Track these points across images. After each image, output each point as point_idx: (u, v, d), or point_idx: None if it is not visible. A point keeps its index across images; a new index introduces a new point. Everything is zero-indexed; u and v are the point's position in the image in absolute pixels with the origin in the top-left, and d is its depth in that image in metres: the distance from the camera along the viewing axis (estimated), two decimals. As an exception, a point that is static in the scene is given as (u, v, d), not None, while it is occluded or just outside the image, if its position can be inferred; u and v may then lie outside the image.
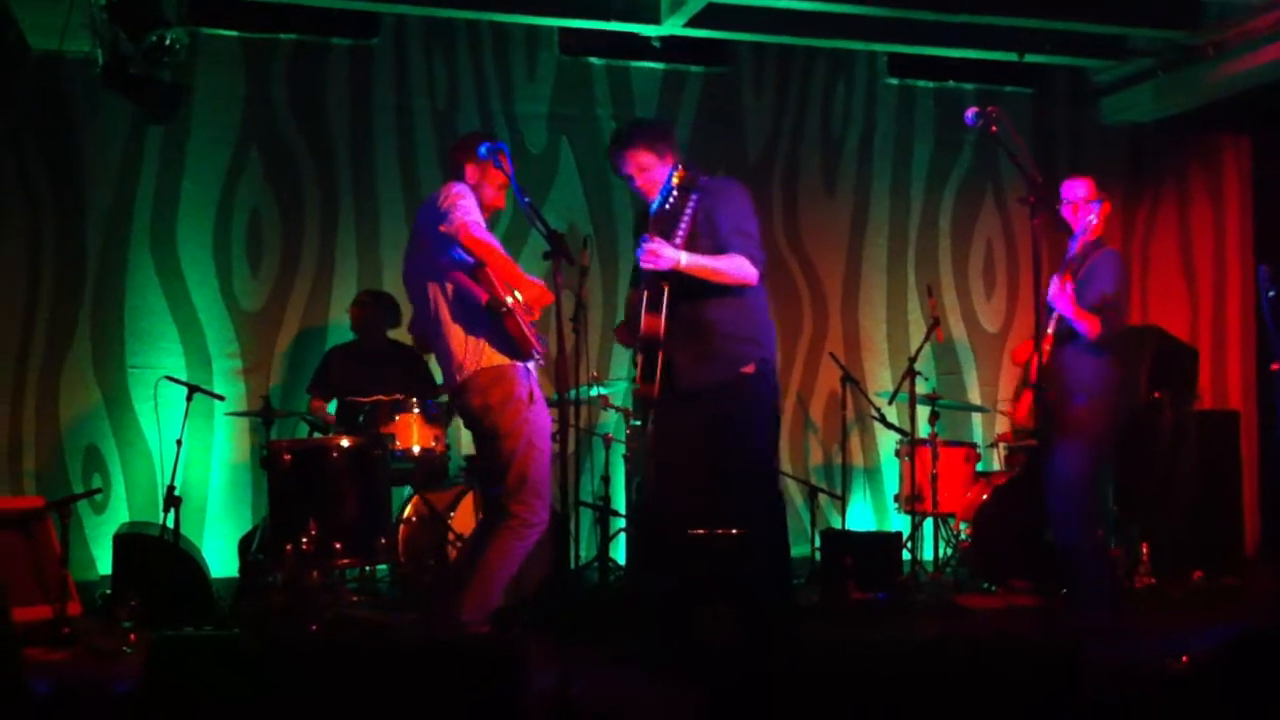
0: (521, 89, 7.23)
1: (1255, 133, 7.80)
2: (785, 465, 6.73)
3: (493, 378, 4.45)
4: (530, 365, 4.56)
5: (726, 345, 4.50)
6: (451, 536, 5.41)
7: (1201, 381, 7.41)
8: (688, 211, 4.53)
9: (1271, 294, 7.41)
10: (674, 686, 4.20)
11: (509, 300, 4.44)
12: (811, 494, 6.70)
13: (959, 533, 6.36)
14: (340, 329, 6.72)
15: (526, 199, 4.66)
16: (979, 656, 3.54)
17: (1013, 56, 7.30)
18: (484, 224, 4.51)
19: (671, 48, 7.24)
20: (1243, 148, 7.92)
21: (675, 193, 4.53)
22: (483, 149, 4.67)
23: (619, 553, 6.32)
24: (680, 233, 4.48)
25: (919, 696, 3.34)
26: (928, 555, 6.54)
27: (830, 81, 7.68)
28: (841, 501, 6.73)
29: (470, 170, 4.61)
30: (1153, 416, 6.28)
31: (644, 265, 4.44)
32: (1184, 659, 4.23)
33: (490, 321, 4.45)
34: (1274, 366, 7.04)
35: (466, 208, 4.42)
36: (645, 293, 4.51)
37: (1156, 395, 6.30)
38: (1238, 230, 7.86)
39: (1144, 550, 6.16)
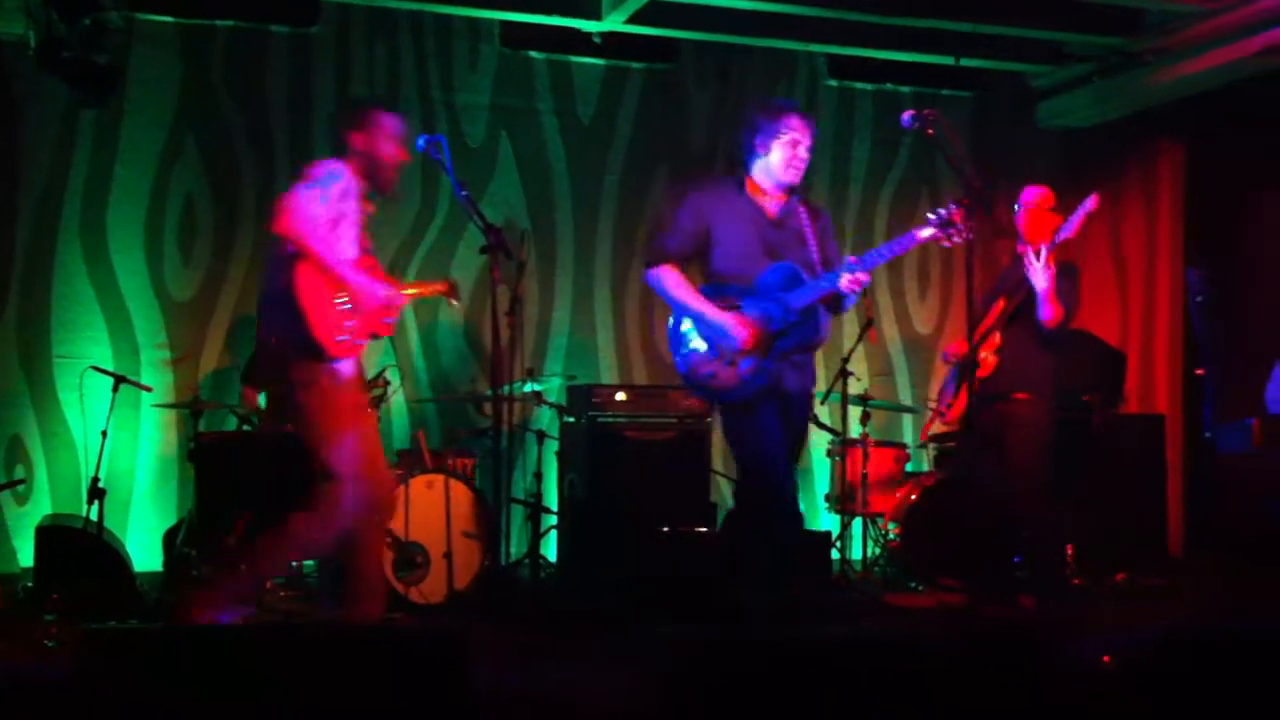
0: (462, 81, 7.19)
1: (1189, 139, 7.91)
2: (718, 464, 6.74)
3: (296, 370, 4.36)
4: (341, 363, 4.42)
5: None
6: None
7: (1129, 385, 7.51)
8: (808, 225, 4.61)
9: (1199, 299, 7.58)
10: (623, 678, 4.21)
11: (336, 300, 4.33)
12: (744, 492, 6.72)
13: (887, 532, 6.41)
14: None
15: (464, 192, 4.65)
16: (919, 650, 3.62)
17: (950, 60, 7.37)
18: (326, 214, 4.31)
19: (613, 44, 7.23)
20: (1176, 153, 8.03)
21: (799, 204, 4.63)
22: (420, 141, 4.64)
23: (550, 550, 6.31)
24: (812, 248, 4.58)
25: (867, 690, 3.40)
26: (856, 555, 6.58)
27: (771, 81, 7.70)
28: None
29: (356, 139, 4.45)
30: (1081, 420, 6.36)
31: (849, 290, 4.47)
32: (1106, 659, 4.29)
33: (293, 317, 4.28)
34: (1199, 371, 7.20)
35: (305, 197, 4.25)
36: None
37: (1085, 399, 6.38)
38: (1169, 235, 7.97)
39: (1069, 551, 6.24)
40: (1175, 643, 4.91)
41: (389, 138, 4.47)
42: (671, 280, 4.63)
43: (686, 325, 4.60)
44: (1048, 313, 5.31)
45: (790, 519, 4.72)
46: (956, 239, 4.41)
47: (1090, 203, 5.37)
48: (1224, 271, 7.68)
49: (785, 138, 4.53)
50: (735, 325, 4.48)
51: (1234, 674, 4.22)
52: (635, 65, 7.46)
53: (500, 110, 7.23)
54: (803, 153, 4.55)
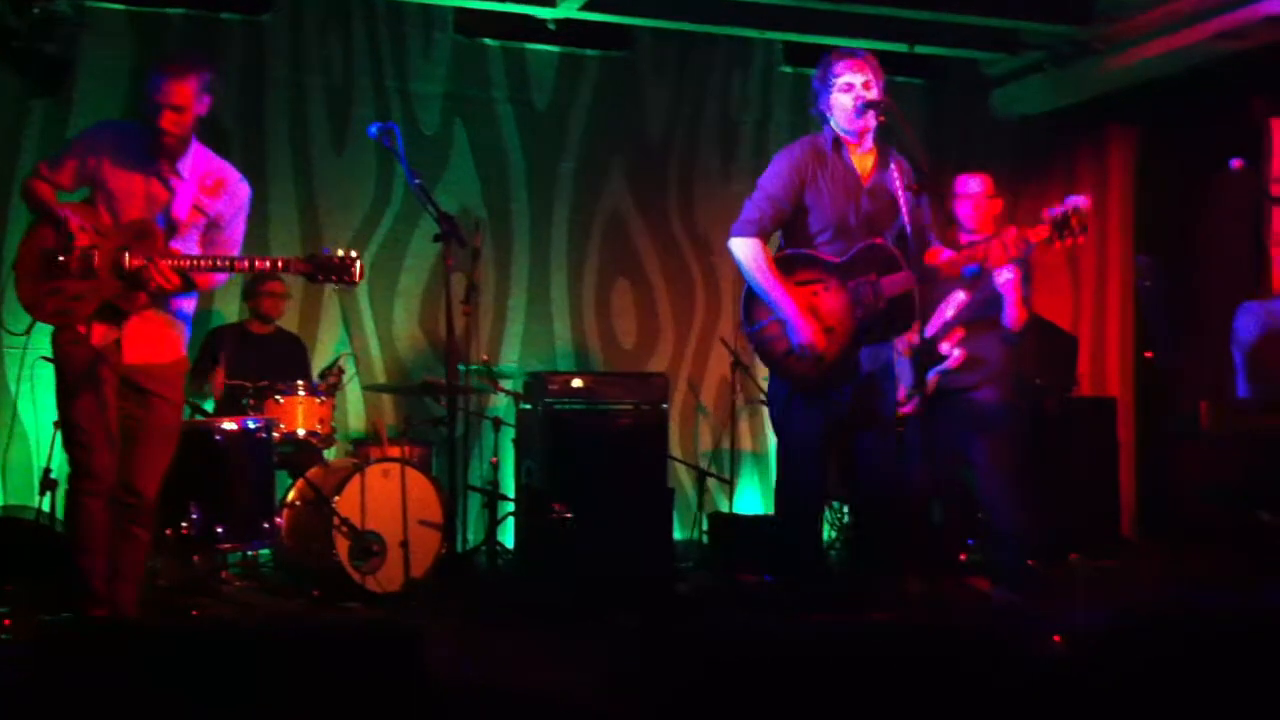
0: (416, 69, 7.16)
1: (1142, 125, 7.98)
2: (675, 450, 6.78)
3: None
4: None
5: None
6: (337, 520, 5.36)
7: (1081, 368, 7.59)
8: (900, 189, 4.27)
9: (1147, 284, 7.66)
10: (579, 666, 4.21)
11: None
12: (700, 478, 6.76)
13: (844, 516, 6.45)
14: (225, 311, 6.62)
15: (417, 180, 4.63)
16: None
17: (904, 47, 7.40)
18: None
19: (568, 31, 7.22)
20: (1129, 140, 8.11)
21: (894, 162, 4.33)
22: (373, 129, 4.61)
23: (508, 537, 6.31)
24: (904, 218, 4.24)
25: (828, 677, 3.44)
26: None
27: (727, 68, 7.71)
28: (730, 485, 6.79)
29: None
30: (1034, 403, 6.42)
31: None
32: (1056, 639, 4.34)
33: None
34: (1148, 354, 7.29)
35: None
36: None
37: (1038, 383, 6.45)
38: (1120, 221, 8.05)
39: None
40: (1126, 622, 5.00)
41: (151, 93, 4.26)
42: (753, 257, 4.41)
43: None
44: (1014, 317, 5.33)
45: (884, 506, 4.55)
46: (1069, 241, 4.24)
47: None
48: (1175, 257, 7.77)
49: (837, 83, 4.38)
50: (809, 331, 4.30)
51: (1186, 652, 4.30)
52: (591, 53, 7.45)
53: (455, 98, 7.21)
54: (861, 91, 4.34)
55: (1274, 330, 5.84)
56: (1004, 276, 5.16)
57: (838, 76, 4.41)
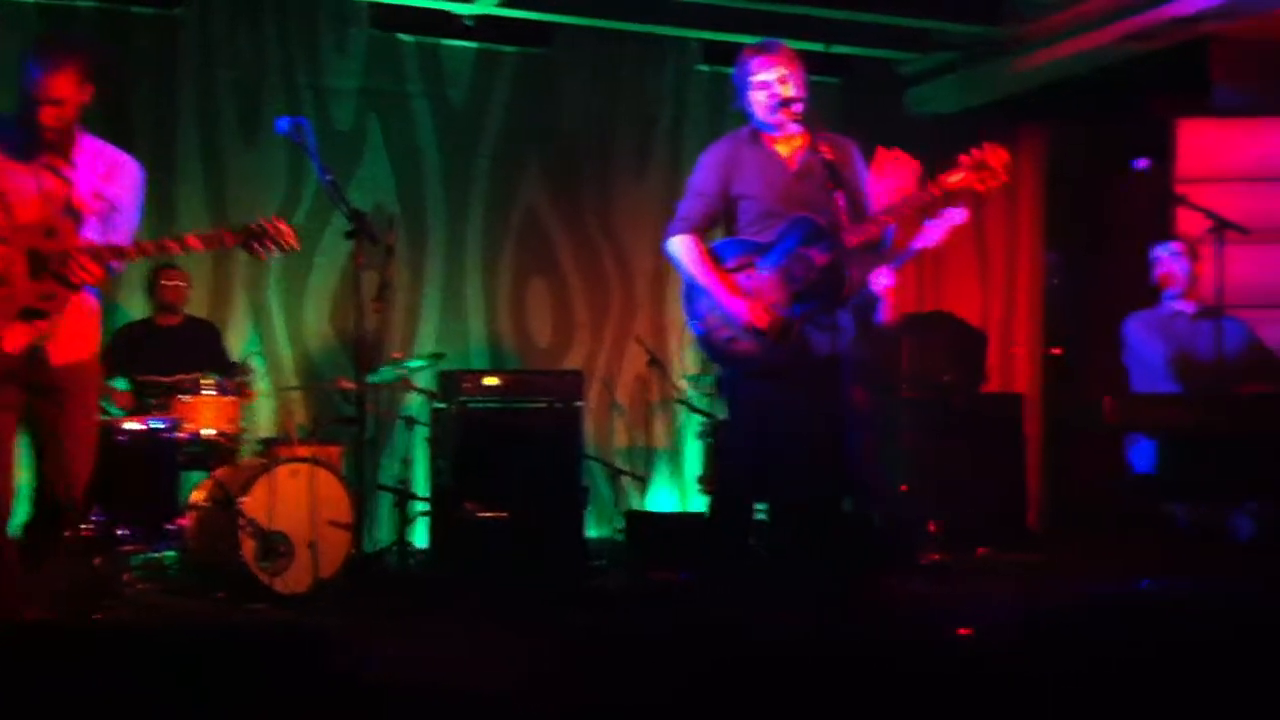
0: (330, 64, 7.10)
1: (1052, 124, 8.11)
2: (591, 448, 6.77)
3: None
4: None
5: None
6: (243, 521, 5.30)
7: (990, 364, 7.69)
8: (830, 171, 4.32)
9: (1056, 281, 7.79)
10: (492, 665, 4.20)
11: None
12: (615, 476, 6.76)
13: (756, 512, 6.47)
14: (132, 308, 6.52)
15: (328, 176, 4.60)
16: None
17: (820, 46, 7.45)
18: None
19: (485, 27, 7.20)
20: (1038, 139, 8.23)
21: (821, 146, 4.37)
22: (283, 124, 4.56)
23: (420, 537, 6.28)
24: (837, 197, 4.29)
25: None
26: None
27: (644, 66, 7.73)
28: (644, 483, 6.81)
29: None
30: (942, 399, 6.51)
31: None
32: (963, 631, 4.40)
33: None
34: (1054, 351, 7.40)
35: None
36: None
37: (946, 378, 6.53)
38: (1030, 219, 8.18)
39: (931, 527, 6.39)
40: (1032, 615, 5.08)
41: (29, 89, 4.12)
42: (685, 251, 4.44)
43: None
44: (888, 317, 5.42)
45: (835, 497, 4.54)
46: (991, 183, 4.30)
47: (958, 216, 5.42)
48: (1083, 254, 7.90)
49: (754, 80, 4.41)
50: (745, 310, 4.31)
51: (1093, 641, 4.38)
52: (508, 49, 7.42)
53: (369, 94, 7.15)
54: (779, 89, 4.38)
55: (1167, 336, 5.96)
56: (882, 281, 5.26)
57: (754, 74, 4.44)
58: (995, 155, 4.33)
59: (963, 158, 4.37)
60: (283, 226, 4.27)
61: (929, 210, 4.40)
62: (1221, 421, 5.37)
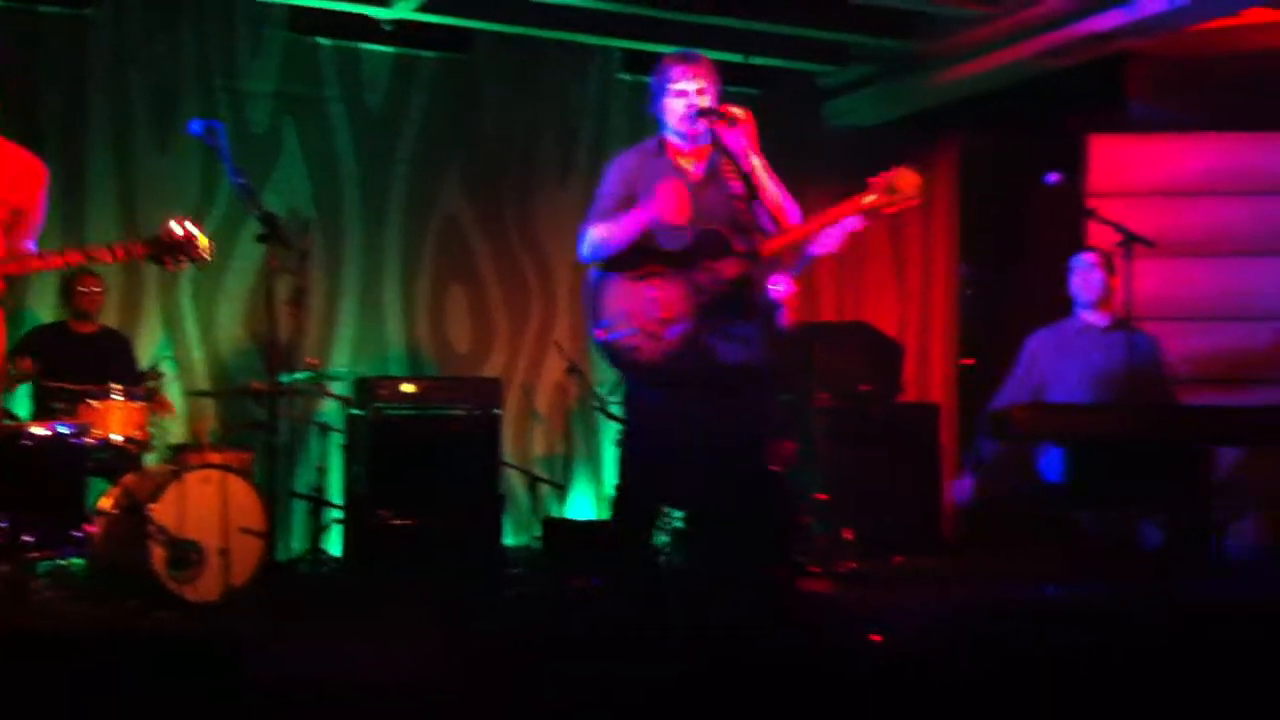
0: (246, 66, 7.01)
1: (967, 138, 8.23)
2: (509, 455, 6.74)
3: None
4: None
5: None
6: (153, 528, 5.21)
7: (906, 375, 7.77)
8: (734, 181, 4.35)
9: (969, 293, 7.90)
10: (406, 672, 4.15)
11: None
12: (533, 484, 6.74)
13: (671, 520, 6.49)
14: (39, 314, 6.39)
15: (240, 179, 4.53)
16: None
17: (739, 58, 7.50)
18: None
19: (405, 32, 7.15)
20: (953, 152, 8.35)
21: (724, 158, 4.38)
22: (196, 126, 4.50)
23: (334, 545, 6.21)
24: (741, 208, 4.31)
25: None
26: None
27: (566, 74, 7.72)
28: (563, 491, 6.80)
29: None
30: (859, 409, 6.57)
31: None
32: (876, 637, 4.44)
33: None
34: (966, 361, 7.49)
35: None
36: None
37: (863, 388, 6.59)
38: (945, 231, 8.29)
39: (847, 536, 6.43)
40: (944, 622, 5.14)
41: None
42: (595, 230, 4.38)
43: (608, 292, 4.36)
44: (788, 320, 5.46)
45: (767, 502, 4.49)
46: (901, 205, 4.33)
47: (854, 223, 5.46)
48: (997, 266, 8.02)
49: (672, 88, 4.39)
50: (660, 205, 4.23)
51: (1005, 645, 4.44)
52: (427, 54, 7.38)
53: (285, 97, 7.07)
54: (694, 99, 4.36)
55: (1072, 350, 6.06)
56: (780, 287, 5.29)
57: (673, 82, 4.44)
58: (906, 179, 4.35)
59: (872, 180, 4.39)
60: (196, 240, 4.21)
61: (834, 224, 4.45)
62: (1128, 431, 5.46)
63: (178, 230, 4.18)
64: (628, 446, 4.64)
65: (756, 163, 4.46)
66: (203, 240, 4.25)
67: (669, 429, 4.40)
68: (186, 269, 4.25)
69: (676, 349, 4.31)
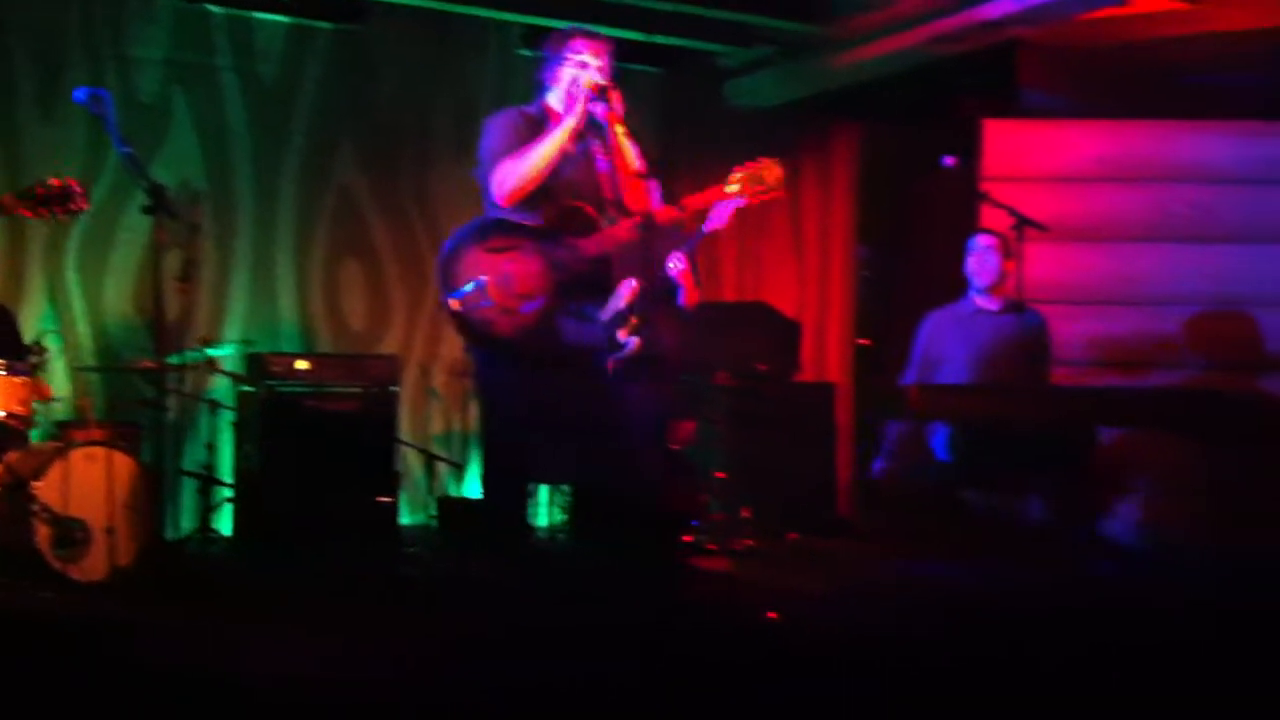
0: (134, 33, 6.80)
1: (865, 121, 8.30)
2: (406, 433, 6.67)
3: None
4: None
5: None
6: (36, 506, 5.07)
7: (804, 354, 7.85)
8: (602, 157, 4.41)
9: (866, 274, 7.99)
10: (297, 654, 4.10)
11: None
12: (430, 462, 6.69)
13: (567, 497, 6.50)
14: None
15: (126, 149, 4.42)
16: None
17: (640, 36, 7.48)
18: None
19: (300, 1, 7.00)
20: (851, 135, 8.42)
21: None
22: (80, 94, 4.38)
23: (224, 524, 6.11)
24: (605, 185, 4.40)
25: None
26: (543, 520, 6.65)
27: (464, 48, 7.63)
28: (461, 469, 6.75)
29: None
30: (756, 387, 6.61)
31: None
32: (772, 615, 4.48)
33: None
34: (863, 341, 7.59)
35: None
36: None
37: (761, 367, 6.63)
38: (843, 213, 8.37)
39: (745, 514, 6.49)
40: (839, 597, 5.21)
41: None
42: (505, 164, 4.31)
43: (463, 262, 4.27)
44: (688, 299, 5.49)
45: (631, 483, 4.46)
46: (763, 197, 4.42)
47: (740, 200, 5.49)
48: (893, 248, 8.13)
49: (574, 59, 4.37)
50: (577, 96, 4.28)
51: (897, 622, 4.51)
52: (323, 25, 7.23)
53: (175, 65, 6.87)
54: (595, 76, 4.35)
55: (964, 332, 6.15)
56: (676, 266, 5.32)
57: (576, 53, 4.42)
58: (770, 170, 4.40)
59: (737, 168, 4.43)
60: (74, 189, 4.10)
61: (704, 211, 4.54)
62: (1012, 412, 5.56)
63: (52, 181, 4.07)
64: (489, 423, 4.61)
65: (626, 144, 4.45)
66: (78, 190, 4.12)
67: (525, 405, 4.38)
68: (72, 229, 4.12)
69: (531, 325, 4.27)
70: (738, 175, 4.43)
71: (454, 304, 4.29)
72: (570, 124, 4.31)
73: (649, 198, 4.48)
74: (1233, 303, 7.00)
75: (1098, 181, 7.19)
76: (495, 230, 4.36)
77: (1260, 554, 5.98)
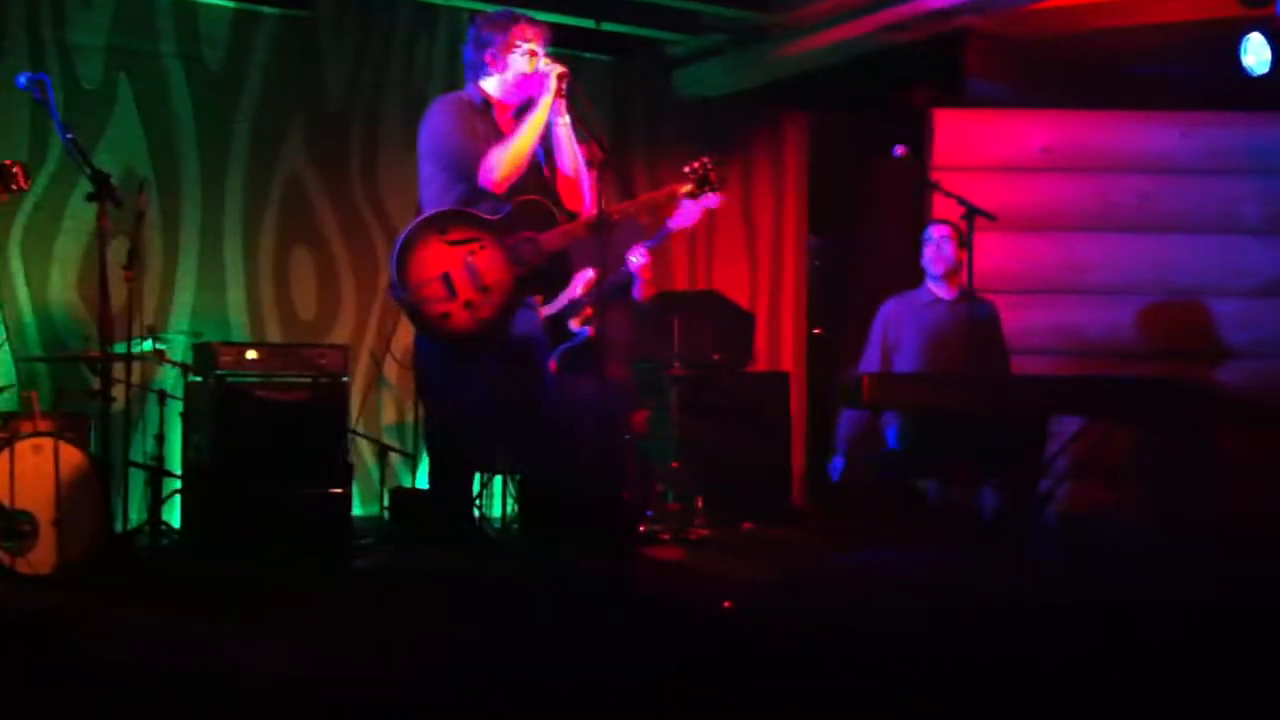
0: (76, 18, 6.66)
1: (813, 111, 8.32)
2: (357, 423, 6.60)
3: None
4: None
5: None
6: (-25, 498, 4.98)
7: (758, 344, 7.87)
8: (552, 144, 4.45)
9: (817, 264, 8.02)
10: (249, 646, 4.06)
11: None
12: (383, 453, 6.63)
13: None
14: None
15: (69, 135, 4.35)
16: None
17: (591, 23, 7.45)
18: None
19: (245, -14, 6.93)
20: (801, 125, 8.44)
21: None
22: (21, 79, 4.30)
23: (174, 515, 6.02)
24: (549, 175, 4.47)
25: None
26: (496, 511, 6.62)
27: (413, 35, 7.56)
28: (413, 460, 6.71)
29: None
30: (710, 377, 6.62)
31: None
32: (727, 604, 4.49)
33: None
34: (816, 330, 7.62)
35: None
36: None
37: (715, 357, 6.64)
38: (795, 203, 8.40)
39: (699, 503, 6.49)
40: (792, 586, 5.23)
41: None
42: (499, 145, 4.30)
43: (421, 254, 4.23)
44: (643, 294, 5.51)
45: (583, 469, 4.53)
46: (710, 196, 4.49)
47: (712, 200, 5.49)
48: (844, 238, 8.16)
49: (523, 46, 4.34)
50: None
51: (851, 610, 4.54)
52: (269, 10, 7.12)
53: (119, 51, 6.74)
54: (542, 64, 4.35)
55: (920, 321, 6.19)
56: (637, 259, 5.33)
57: (524, 41, 4.39)
58: (716, 170, 4.49)
59: (687, 169, 4.52)
60: (14, 168, 4.04)
61: (665, 207, 4.59)
62: (965, 401, 5.61)
63: None
64: (437, 413, 4.59)
65: (569, 139, 4.44)
66: (20, 169, 4.06)
67: (473, 395, 4.38)
68: (14, 214, 4.06)
69: (491, 319, 4.26)
70: (690, 175, 4.47)
71: (408, 296, 4.25)
72: (548, 101, 4.29)
73: (584, 196, 4.47)
74: (1178, 292, 7.09)
75: (1044, 171, 7.26)
76: (455, 222, 4.33)
77: (1209, 541, 6.08)
